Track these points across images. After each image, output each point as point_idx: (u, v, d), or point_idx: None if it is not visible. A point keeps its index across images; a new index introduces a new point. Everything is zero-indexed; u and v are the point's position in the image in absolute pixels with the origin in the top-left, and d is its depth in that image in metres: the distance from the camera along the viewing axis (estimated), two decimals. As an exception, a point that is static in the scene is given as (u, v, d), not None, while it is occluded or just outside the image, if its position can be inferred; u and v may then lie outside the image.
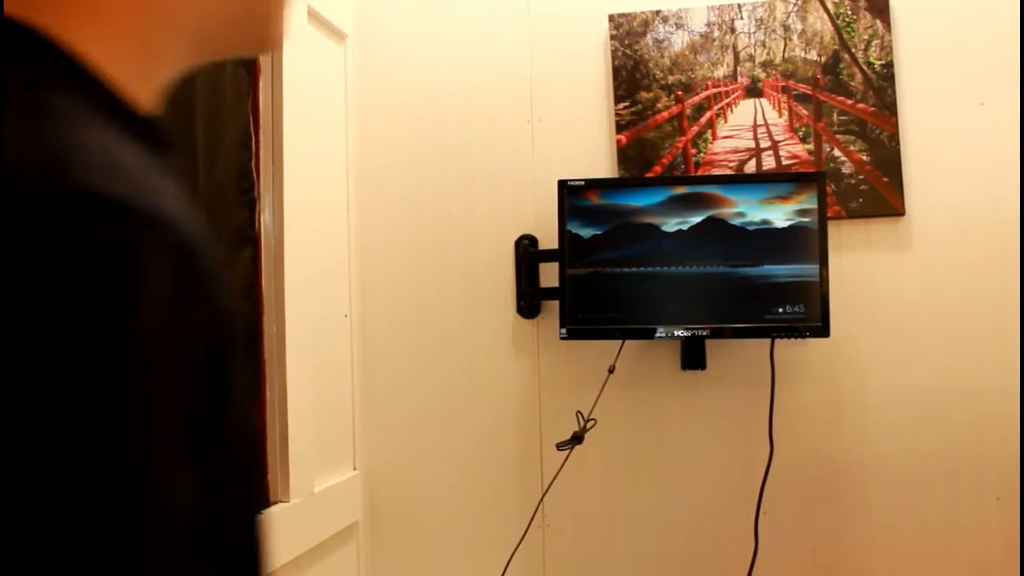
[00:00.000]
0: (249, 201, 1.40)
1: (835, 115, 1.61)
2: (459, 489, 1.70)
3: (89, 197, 0.31)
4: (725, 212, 1.51)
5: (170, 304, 0.32)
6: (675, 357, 1.63)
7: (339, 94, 1.70)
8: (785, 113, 1.63)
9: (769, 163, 1.63)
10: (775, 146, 1.63)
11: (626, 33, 1.68)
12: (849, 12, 1.61)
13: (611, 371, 1.59)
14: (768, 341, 1.54)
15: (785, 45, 1.64)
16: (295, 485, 1.41)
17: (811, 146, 1.61)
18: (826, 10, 1.62)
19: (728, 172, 1.63)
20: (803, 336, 1.47)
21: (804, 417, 1.60)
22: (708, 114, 1.65)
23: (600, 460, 1.65)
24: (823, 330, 1.46)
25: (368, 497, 1.71)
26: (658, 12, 1.67)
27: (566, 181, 1.56)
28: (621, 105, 1.67)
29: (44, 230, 0.29)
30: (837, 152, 1.60)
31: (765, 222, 1.49)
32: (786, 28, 1.63)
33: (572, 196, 1.56)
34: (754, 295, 1.48)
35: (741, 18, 1.65)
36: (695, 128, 1.65)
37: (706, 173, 1.63)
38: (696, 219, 1.52)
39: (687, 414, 1.64)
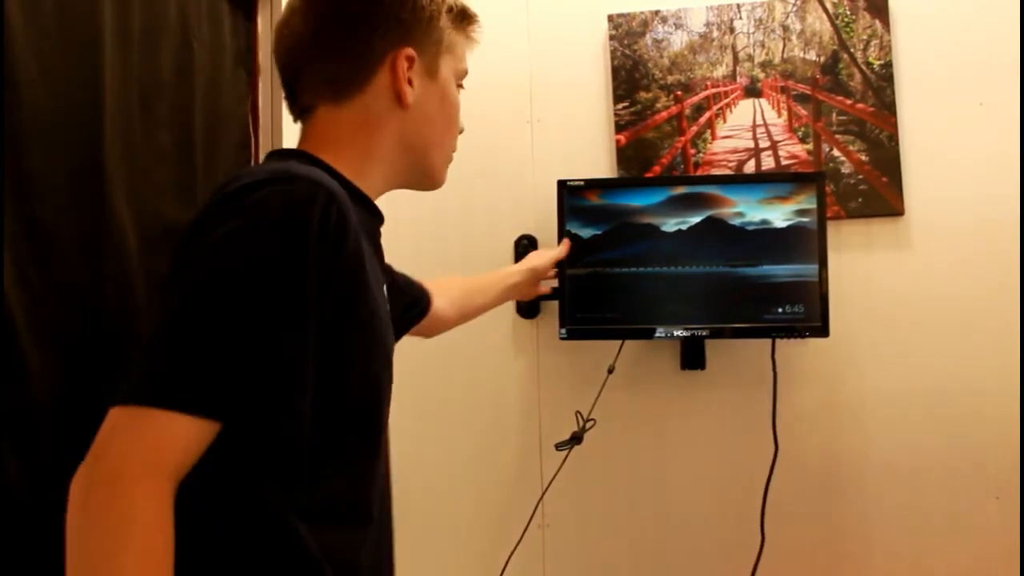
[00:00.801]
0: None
1: (834, 115, 1.61)
2: (458, 488, 1.71)
3: (299, 176, 0.72)
4: (724, 212, 1.51)
5: (331, 226, 0.72)
6: (675, 357, 1.63)
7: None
8: (784, 113, 1.63)
9: (768, 163, 1.63)
10: (774, 146, 1.63)
11: (625, 33, 1.68)
12: (848, 12, 1.61)
13: (611, 371, 1.60)
14: (768, 341, 1.54)
15: (784, 45, 1.64)
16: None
17: (810, 146, 1.61)
18: (825, 10, 1.62)
19: (727, 172, 1.63)
20: (802, 336, 1.47)
21: (803, 417, 1.60)
22: (707, 114, 1.65)
23: (599, 460, 1.65)
24: (822, 330, 1.46)
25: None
26: (657, 12, 1.67)
27: (565, 181, 1.56)
28: (620, 105, 1.67)
29: (275, 186, 0.71)
30: (836, 152, 1.60)
31: (764, 222, 1.49)
32: (785, 28, 1.64)
33: (572, 196, 1.56)
34: (753, 295, 1.48)
35: (740, 18, 1.65)
36: (694, 128, 1.65)
37: (705, 173, 1.63)
38: (695, 219, 1.52)
39: (686, 414, 1.64)
